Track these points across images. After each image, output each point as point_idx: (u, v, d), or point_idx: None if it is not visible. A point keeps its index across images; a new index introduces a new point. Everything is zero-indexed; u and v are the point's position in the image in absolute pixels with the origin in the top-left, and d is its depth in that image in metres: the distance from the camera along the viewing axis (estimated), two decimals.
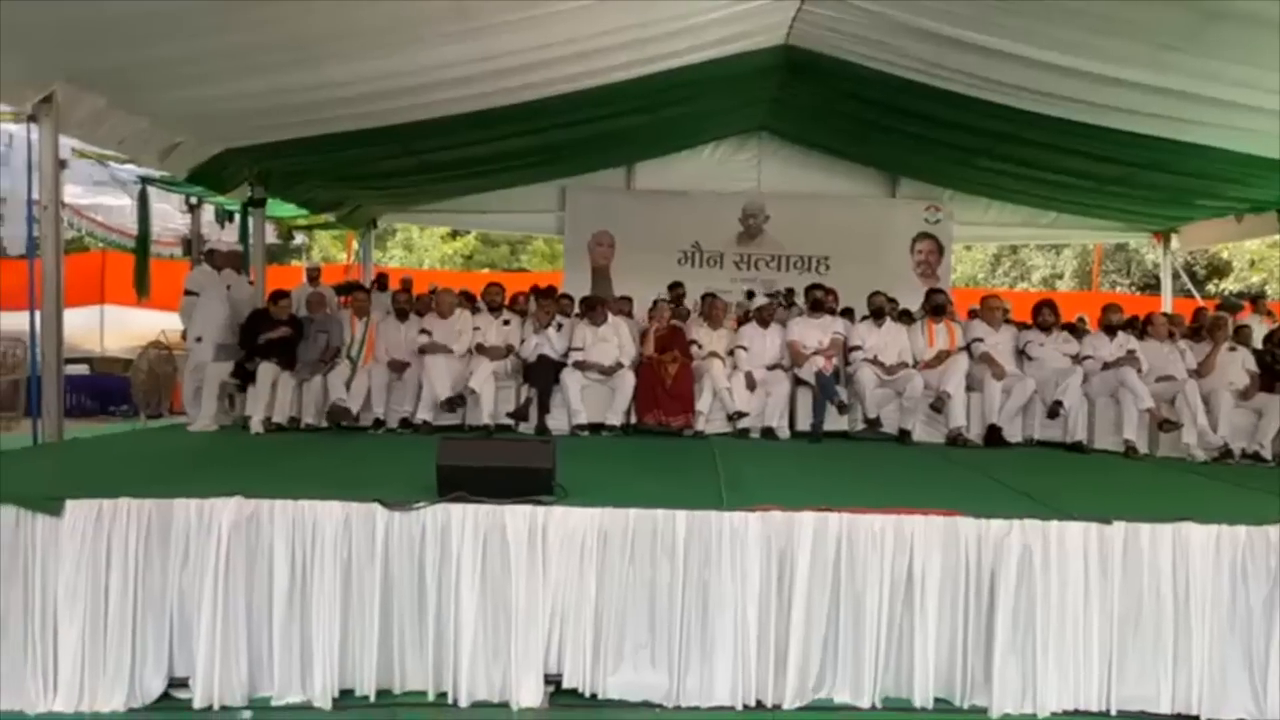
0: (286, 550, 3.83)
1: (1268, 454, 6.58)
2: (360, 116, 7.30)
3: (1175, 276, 12.91)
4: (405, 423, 6.99)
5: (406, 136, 8.05)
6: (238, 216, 9.44)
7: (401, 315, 7.56)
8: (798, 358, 7.24)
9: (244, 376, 6.94)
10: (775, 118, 11.30)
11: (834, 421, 7.06)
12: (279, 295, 7.48)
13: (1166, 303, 12.44)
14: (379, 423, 7.00)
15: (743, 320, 8.17)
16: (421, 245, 22.92)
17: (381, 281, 10.98)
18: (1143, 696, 3.87)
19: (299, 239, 14.47)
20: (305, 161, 8.45)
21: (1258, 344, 7.61)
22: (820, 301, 7.79)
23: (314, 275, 10.12)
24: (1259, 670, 3.81)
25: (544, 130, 8.98)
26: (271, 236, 11.47)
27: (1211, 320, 7.66)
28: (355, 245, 14.39)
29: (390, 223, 15.79)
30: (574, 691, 3.86)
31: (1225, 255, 19.29)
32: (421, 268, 20.92)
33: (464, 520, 3.85)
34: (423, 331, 7.27)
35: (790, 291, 10.34)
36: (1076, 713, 3.84)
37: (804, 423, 7.10)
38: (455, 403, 6.90)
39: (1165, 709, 3.84)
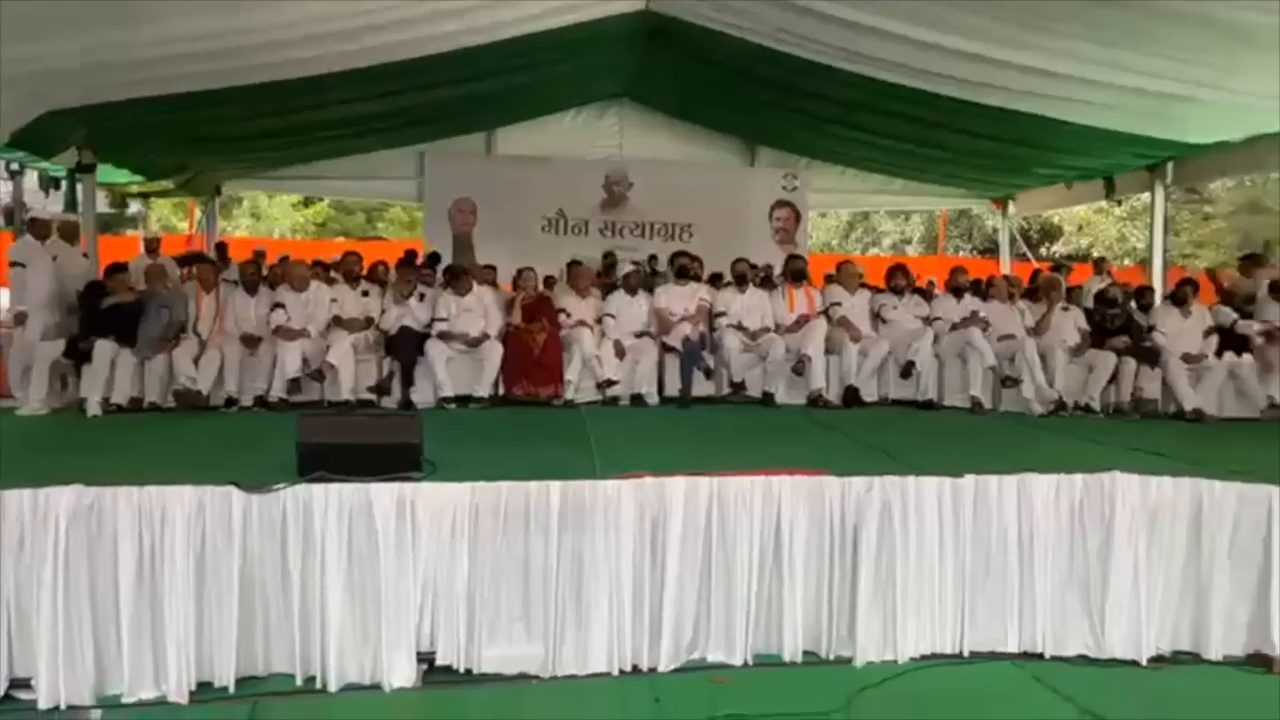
0: (133, 540, 3.61)
1: (1097, 405, 7.08)
2: (202, 76, 6.83)
3: (1012, 241, 13.68)
4: (260, 400, 6.66)
5: (254, 98, 7.60)
6: (64, 184, 8.73)
7: (251, 288, 7.18)
8: (665, 325, 7.29)
9: (77, 355, 6.46)
10: (637, 84, 11.28)
11: (701, 386, 7.16)
12: (117, 268, 6.98)
13: (1005, 265, 13.17)
14: (231, 401, 6.64)
15: (607, 288, 8.17)
16: (270, 213, 21.86)
17: (220, 251, 10.42)
18: (992, 639, 4.12)
19: (134, 207, 13.54)
20: (141, 124, 7.86)
21: (1089, 303, 8.15)
22: (686, 269, 7.86)
23: (153, 246, 9.49)
24: (1096, 610, 4.11)
25: (401, 93, 8.67)
26: (103, 205, 10.68)
27: (1046, 281, 8.13)
28: (198, 214, 13.57)
29: (236, 189, 14.98)
30: (448, 668, 3.81)
31: (1056, 220, 20.56)
32: (271, 237, 19.98)
33: (327, 500, 3.72)
34: (276, 306, 6.92)
35: (653, 258, 10.42)
36: (933, 656, 4.05)
37: (672, 389, 7.17)
38: (313, 378, 6.63)
39: (1013, 649, 4.11)
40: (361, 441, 3.87)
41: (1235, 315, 7.50)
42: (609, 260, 9.97)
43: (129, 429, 5.71)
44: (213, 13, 5.71)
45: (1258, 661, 4.09)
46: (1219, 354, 7.24)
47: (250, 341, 6.77)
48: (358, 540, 3.74)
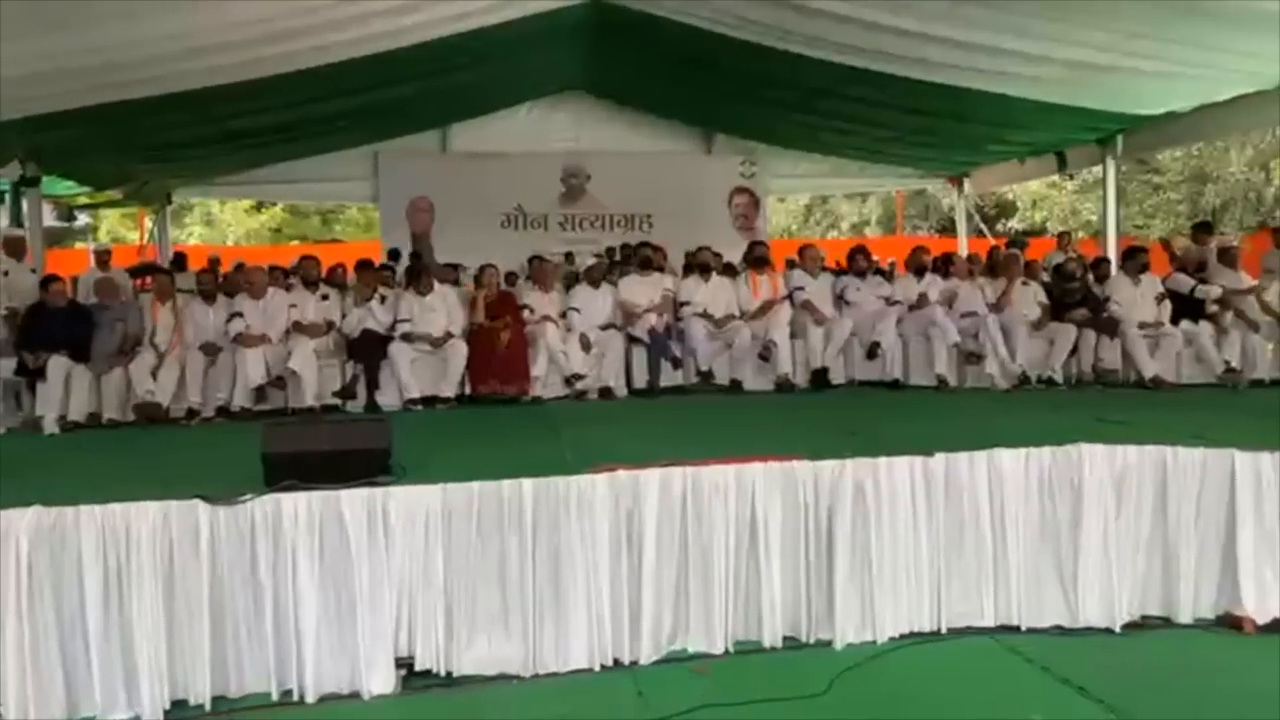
0: (97, 559, 3.52)
1: (1059, 378, 7.18)
2: (147, 82, 6.70)
3: (969, 218, 13.84)
4: (223, 411, 6.56)
5: (200, 104, 7.47)
6: (8, 198, 8.52)
7: (208, 297, 7.05)
8: (630, 316, 7.27)
9: (29, 373, 6.30)
10: (590, 76, 11.24)
11: (669, 376, 7.15)
12: (50, 280, 6.83)
13: (963, 242, 13.32)
14: (193, 413, 6.53)
15: (569, 280, 8.13)
16: (224, 220, 21.54)
17: (179, 261, 10.24)
18: (968, 613, 4.15)
19: (83, 219, 13.26)
20: (85, 134, 7.70)
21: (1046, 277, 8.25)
22: (649, 260, 7.84)
23: (103, 258, 9.31)
24: (1069, 581, 4.15)
25: (351, 93, 8.58)
26: (50, 218, 10.44)
27: (1004, 258, 8.22)
28: (149, 223, 13.31)
29: (187, 197, 14.76)
30: (428, 673, 3.77)
31: (1011, 196, 20.81)
32: (225, 244, 19.68)
33: (297, 509, 3.65)
34: (234, 315, 6.80)
35: (611, 250, 10.40)
36: (911, 634, 4.08)
37: (640, 380, 7.16)
38: (275, 385, 6.53)
39: (989, 623, 4.14)
40: (329, 448, 3.81)
41: (1193, 282, 7.64)
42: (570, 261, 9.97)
43: (88, 446, 5.59)
44: (153, 17, 5.59)
45: (1228, 623, 4.16)
46: (1174, 321, 7.37)
47: (210, 351, 6.65)
48: (330, 548, 3.68)
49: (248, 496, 3.64)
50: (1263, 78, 7.31)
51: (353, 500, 3.69)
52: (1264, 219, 18.90)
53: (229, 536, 3.63)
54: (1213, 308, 7.47)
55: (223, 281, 7.53)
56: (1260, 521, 4.21)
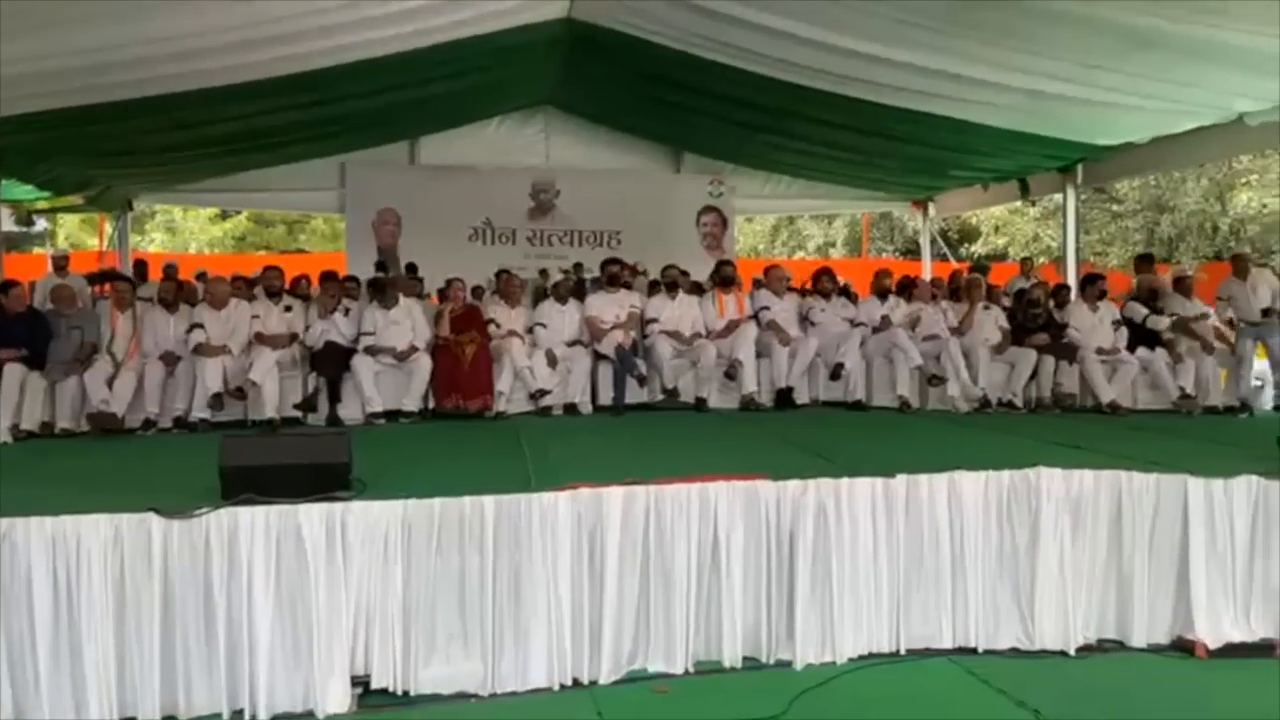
0: (47, 573, 3.44)
1: (1020, 401, 7.27)
2: (112, 87, 6.60)
3: (933, 241, 14.03)
4: (180, 422, 6.45)
5: (164, 109, 7.37)
6: None
7: (169, 306, 6.94)
8: (596, 333, 7.27)
9: None
10: (562, 92, 11.26)
11: (634, 394, 7.15)
12: (7, 285, 6.69)
13: (926, 266, 13.49)
14: (149, 423, 6.41)
15: (538, 296, 8.12)
16: (186, 227, 21.24)
17: (140, 270, 10.08)
18: (927, 635, 4.17)
19: (41, 224, 13.03)
20: (46, 138, 7.56)
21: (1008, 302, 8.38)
22: (616, 276, 7.85)
23: (61, 264, 9.14)
24: (1026, 603, 4.19)
25: (320, 103, 8.53)
26: (8, 222, 10.25)
27: (967, 282, 8.33)
28: (109, 229, 13.10)
29: (149, 203, 14.52)
30: (384, 691, 3.72)
31: (975, 221, 21.11)
32: (187, 252, 19.42)
33: (253, 524, 3.59)
34: (195, 325, 6.69)
35: (579, 266, 10.41)
36: (871, 656, 4.09)
37: (605, 397, 7.15)
38: (235, 396, 6.44)
39: (948, 645, 4.17)
40: (288, 461, 3.76)
41: (1145, 311, 7.79)
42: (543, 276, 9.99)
43: (40, 455, 5.48)
44: (115, 23, 5.51)
45: (1181, 647, 4.23)
46: (1131, 348, 7.51)
47: (169, 360, 6.54)
48: (286, 563, 3.63)
49: (203, 510, 3.58)
50: (1218, 111, 7.49)
51: (310, 515, 3.64)
52: (1218, 248, 19.35)
53: (182, 550, 3.56)
54: (1168, 335, 7.62)
55: (184, 290, 7.40)
56: (1212, 546, 4.28)
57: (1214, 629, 4.22)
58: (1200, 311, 7.91)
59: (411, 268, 9.92)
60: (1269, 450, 4.80)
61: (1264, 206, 17.91)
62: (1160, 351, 7.48)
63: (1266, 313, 7.76)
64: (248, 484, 3.65)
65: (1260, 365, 7.89)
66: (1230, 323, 7.99)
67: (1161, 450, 4.96)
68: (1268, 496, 4.34)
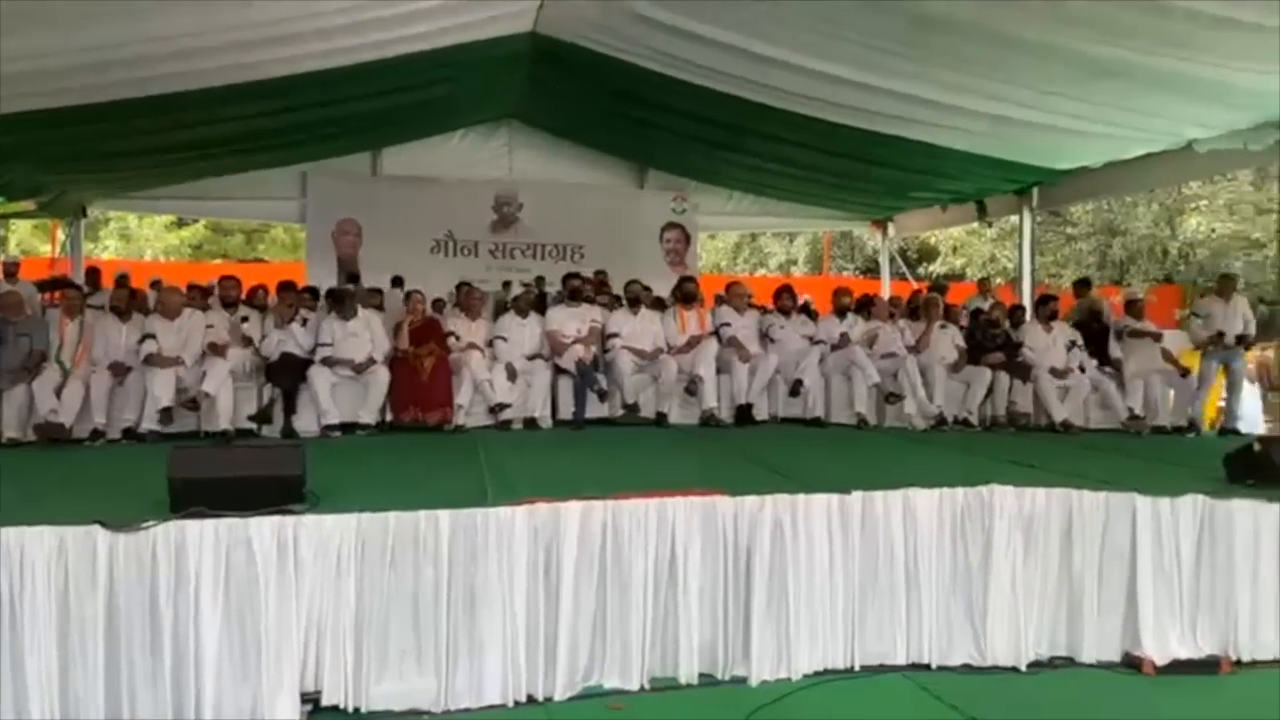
0: None
1: (975, 419, 7.37)
2: (68, 92, 6.48)
3: (892, 261, 14.19)
4: (129, 432, 6.32)
5: (121, 115, 7.25)
6: None
7: (121, 314, 6.81)
8: (557, 347, 7.25)
9: None
10: (526, 105, 11.25)
11: (594, 408, 7.14)
12: None
13: (885, 285, 13.63)
14: (97, 434, 6.27)
15: (499, 309, 8.09)
16: (141, 234, 20.86)
17: (93, 277, 9.89)
18: (881, 651, 4.20)
19: None
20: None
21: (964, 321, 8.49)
22: (578, 290, 7.84)
23: (11, 270, 8.95)
24: (979, 619, 4.23)
25: (282, 112, 8.43)
26: None
27: (924, 301, 8.43)
28: (61, 236, 12.84)
29: (103, 210, 14.27)
30: (335, 708, 3.66)
31: (933, 241, 21.41)
32: (142, 260, 19.07)
33: (202, 537, 3.53)
34: (146, 336, 6.56)
35: (540, 279, 10.39)
36: (826, 672, 4.11)
37: (566, 411, 7.13)
38: (187, 407, 6.33)
39: (901, 661, 4.20)
40: (239, 474, 3.70)
41: (1077, 334, 7.91)
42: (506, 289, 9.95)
43: None
44: (77, 27, 5.42)
45: (1129, 663, 4.29)
46: (1082, 368, 7.64)
47: (118, 370, 6.41)
48: (236, 578, 3.56)
49: (150, 523, 3.51)
50: (1170, 138, 7.69)
51: (261, 528, 3.59)
52: (1168, 271, 19.80)
53: (128, 563, 3.49)
54: (1116, 354, 7.78)
55: (137, 299, 7.27)
56: (1159, 564, 4.37)
57: (1161, 646, 4.29)
58: (1153, 332, 8.08)
59: (398, 280, 9.83)
60: (1215, 470, 4.91)
61: (1212, 231, 18.34)
62: (1110, 372, 7.63)
63: (1241, 339, 7.86)
64: (197, 496, 3.59)
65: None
66: (1208, 342, 7.93)
67: (1111, 469, 5.05)
68: (1213, 515, 4.44)
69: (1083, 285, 9.72)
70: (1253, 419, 11.22)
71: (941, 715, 3.75)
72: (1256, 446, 4.83)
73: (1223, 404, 8.26)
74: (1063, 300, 8.74)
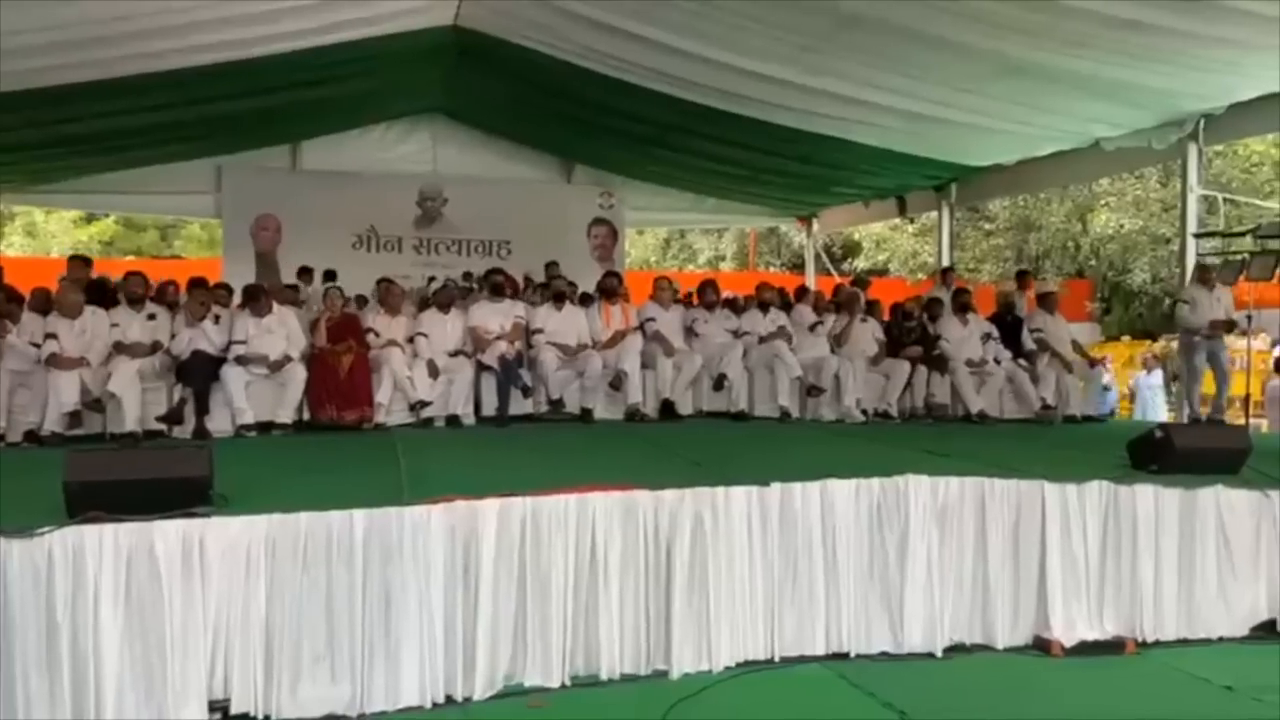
0: None
1: (894, 412, 7.51)
2: None
3: (817, 257, 14.40)
4: (31, 436, 6.05)
5: (28, 105, 6.95)
6: None
7: (13, 316, 6.50)
8: (480, 343, 7.16)
9: None
10: (450, 100, 11.11)
11: (519, 405, 7.07)
12: None
13: (810, 280, 13.81)
14: None
15: (422, 304, 7.96)
16: (48, 230, 20.05)
17: None
18: (801, 642, 4.24)
19: None
20: None
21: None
22: (500, 286, 7.75)
23: None
24: (895, 607, 4.30)
25: (194, 103, 8.17)
26: None
27: (846, 295, 8.56)
28: None
29: (8, 205, 13.67)
30: (245, 716, 3.55)
31: (856, 237, 21.77)
32: (49, 256, 18.31)
33: (101, 542, 3.39)
34: (48, 336, 6.28)
35: (468, 275, 10.26)
36: (747, 664, 4.13)
37: (489, 408, 7.05)
38: (91, 408, 6.09)
39: (821, 651, 4.24)
40: (140, 477, 3.57)
41: (992, 327, 8.09)
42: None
43: None
44: None
45: (1039, 646, 4.41)
46: (998, 360, 7.83)
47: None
48: (138, 584, 3.43)
49: (45, 528, 3.37)
50: (1078, 136, 7.94)
51: (165, 532, 3.46)
52: (1080, 266, 20.46)
53: (22, 571, 3.34)
54: (1031, 346, 7.99)
55: (36, 299, 6.94)
56: (1067, 549, 4.49)
57: (1068, 628, 4.42)
58: (1064, 327, 8.31)
59: (330, 274, 9.55)
60: (1120, 457, 5.07)
61: (1121, 227, 19.02)
62: (1024, 363, 7.84)
63: (1230, 325, 7.82)
64: (95, 500, 3.45)
65: None
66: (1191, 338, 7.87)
67: (1023, 457, 5.18)
68: (1118, 500, 4.59)
69: (1024, 275, 10.13)
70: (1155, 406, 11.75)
71: (858, 702, 3.80)
72: (1158, 433, 5.00)
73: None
74: (981, 294, 8.96)
